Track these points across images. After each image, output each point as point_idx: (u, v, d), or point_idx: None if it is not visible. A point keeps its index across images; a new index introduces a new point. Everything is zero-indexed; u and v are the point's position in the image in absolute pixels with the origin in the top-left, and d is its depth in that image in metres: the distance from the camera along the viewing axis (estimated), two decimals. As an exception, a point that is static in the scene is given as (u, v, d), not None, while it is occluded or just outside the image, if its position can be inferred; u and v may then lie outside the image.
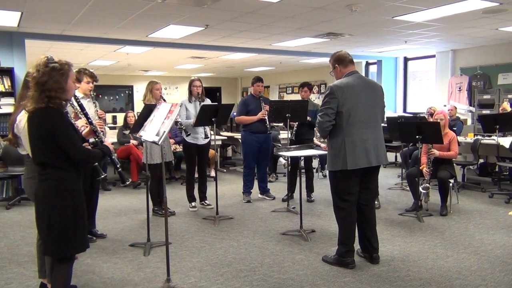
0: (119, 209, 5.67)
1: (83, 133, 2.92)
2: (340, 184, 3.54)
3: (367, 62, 12.04)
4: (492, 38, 8.20)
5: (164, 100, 4.79)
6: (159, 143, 3.00)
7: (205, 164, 5.70)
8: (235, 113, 6.13)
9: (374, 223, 3.66)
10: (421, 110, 9.57)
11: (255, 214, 5.29)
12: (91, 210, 4.25)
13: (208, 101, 5.45)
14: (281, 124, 7.32)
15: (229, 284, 3.26)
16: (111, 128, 10.57)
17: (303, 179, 5.41)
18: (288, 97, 14.44)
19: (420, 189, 5.10)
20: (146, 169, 4.50)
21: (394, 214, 5.20)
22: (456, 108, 8.27)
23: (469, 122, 9.30)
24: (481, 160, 7.38)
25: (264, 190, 6.16)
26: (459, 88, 9.61)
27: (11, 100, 6.58)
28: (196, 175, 5.62)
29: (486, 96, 8.86)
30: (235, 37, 7.82)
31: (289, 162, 5.86)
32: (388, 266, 3.57)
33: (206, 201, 5.64)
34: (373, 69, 11.93)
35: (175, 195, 6.39)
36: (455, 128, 7.01)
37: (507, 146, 6.16)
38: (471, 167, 7.49)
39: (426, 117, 7.15)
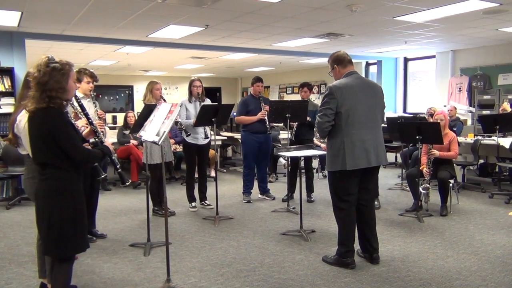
0: (119, 209, 5.67)
1: (83, 133, 2.92)
2: (339, 185, 3.53)
3: (367, 62, 12.04)
4: (492, 38, 8.20)
5: (164, 100, 4.79)
6: (159, 143, 3.00)
7: (205, 164, 5.70)
8: (235, 113, 6.13)
9: (373, 223, 3.66)
10: (421, 111, 9.57)
11: (255, 214, 5.29)
12: (91, 210, 4.25)
13: (208, 101, 5.45)
14: (281, 124, 7.33)
15: (229, 284, 3.26)
16: (111, 128, 10.56)
17: (303, 179, 5.41)
18: (288, 97, 14.44)
19: (420, 189, 5.10)
20: (146, 169, 4.50)
21: (394, 214, 5.20)
22: (455, 108, 8.27)
23: (469, 122, 9.30)
24: (481, 161, 7.38)
25: (264, 190, 6.16)
26: (459, 88, 9.61)
27: (11, 100, 6.58)
28: (196, 175, 5.62)
29: (486, 97, 8.86)
30: (235, 37, 7.82)
31: (289, 162, 5.86)
32: (388, 266, 3.57)
33: (206, 201, 5.64)
34: (373, 69, 11.94)
35: (175, 195, 6.39)
36: (455, 129, 7.01)
37: (507, 146, 6.16)
38: (471, 167, 7.49)
39: (426, 117, 7.15)
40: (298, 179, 4.61)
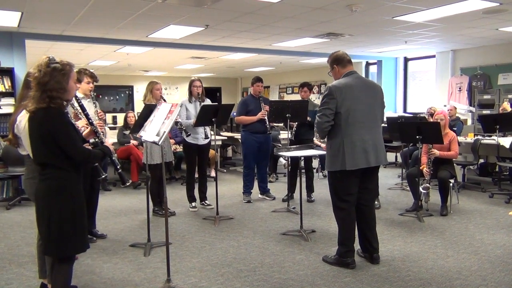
0: (119, 209, 5.67)
1: (83, 133, 2.92)
2: (339, 185, 3.53)
3: (367, 62, 12.04)
4: (492, 38, 8.20)
5: (164, 100, 4.79)
6: (159, 143, 3.00)
7: (205, 164, 5.70)
8: (235, 113, 6.13)
9: (374, 223, 3.66)
10: (421, 110, 9.57)
11: (255, 214, 5.29)
12: (91, 211, 4.25)
13: (208, 101, 5.45)
14: (281, 124, 7.33)
15: (230, 284, 3.26)
16: (111, 128, 10.57)
17: (303, 179, 5.41)
18: (288, 97, 14.44)
19: (420, 189, 5.10)
20: (146, 169, 4.50)
21: (394, 214, 5.20)
22: (455, 108, 8.27)
23: (469, 122, 9.30)
24: (481, 160, 7.38)
25: (264, 190, 6.16)
26: (459, 88, 9.61)
27: (11, 100, 6.58)
28: (196, 175, 5.62)
29: (486, 96, 8.86)
30: (235, 37, 7.82)
31: (289, 162, 5.86)
32: (388, 266, 3.57)
33: (206, 201, 5.64)
34: (373, 69, 11.93)
35: (175, 195, 6.39)
36: (455, 128, 7.00)
37: (507, 146, 6.16)
38: (471, 167, 7.49)
39: (426, 117, 7.15)
40: (298, 179, 4.61)
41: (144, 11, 5.69)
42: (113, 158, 3.05)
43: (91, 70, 4.16)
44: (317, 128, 3.54)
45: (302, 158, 5.73)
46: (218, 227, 4.76)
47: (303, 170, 5.99)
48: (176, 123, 4.84)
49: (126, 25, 6.59)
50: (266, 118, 5.64)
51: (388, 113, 9.86)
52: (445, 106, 9.05)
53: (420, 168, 5.20)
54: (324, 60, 3.79)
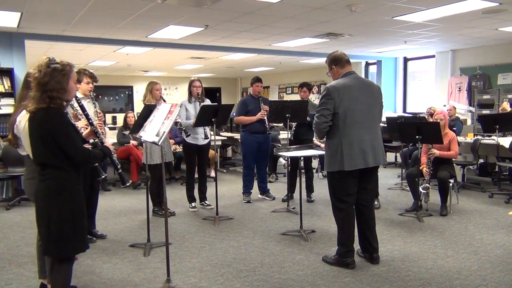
0: (119, 209, 5.67)
1: (83, 134, 2.93)
2: (338, 185, 3.53)
3: (366, 62, 12.04)
4: (491, 38, 8.20)
5: (164, 101, 4.79)
6: (159, 143, 3.00)
7: (205, 164, 5.70)
8: (234, 114, 6.13)
9: (373, 223, 3.66)
10: (421, 110, 9.58)
11: (255, 215, 5.29)
12: (91, 211, 4.25)
13: (208, 102, 5.45)
14: (281, 125, 7.33)
15: (229, 285, 3.26)
16: (111, 128, 10.56)
17: (303, 179, 5.41)
18: (288, 98, 14.44)
19: (420, 189, 5.10)
20: (146, 170, 4.50)
21: (394, 214, 5.20)
22: (455, 108, 8.27)
23: (469, 122, 9.30)
24: (481, 160, 7.38)
25: (264, 191, 6.16)
26: (459, 88, 9.61)
27: (11, 101, 6.58)
28: (196, 176, 5.62)
29: (485, 96, 8.86)
30: (234, 37, 7.82)
31: (289, 163, 5.86)
32: (388, 266, 3.57)
33: (206, 202, 5.64)
34: (372, 69, 11.94)
35: (175, 195, 6.39)
36: (454, 128, 7.01)
37: (507, 146, 6.16)
38: (471, 167, 7.49)
39: (426, 117, 7.15)
40: (298, 179, 4.61)
41: (143, 11, 5.69)
42: (113, 158, 3.05)
43: (91, 71, 4.16)
44: (315, 128, 3.55)
45: (302, 158, 5.72)
46: (218, 227, 4.76)
47: (303, 170, 5.99)
48: (175, 123, 4.84)
49: (126, 25, 6.59)
50: (265, 118, 5.65)
51: (388, 113, 9.85)
52: (444, 106, 9.06)
53: (420, 168, 5.21)
54: (324, 60, 3.79)
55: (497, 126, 6.19)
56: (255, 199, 6.03)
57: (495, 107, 8.46)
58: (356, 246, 3.67)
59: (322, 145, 6.17)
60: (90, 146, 3.03)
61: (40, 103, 2.40)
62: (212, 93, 16.71)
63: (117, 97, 15.82)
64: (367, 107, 3.51)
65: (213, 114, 4.82)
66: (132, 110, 14.17)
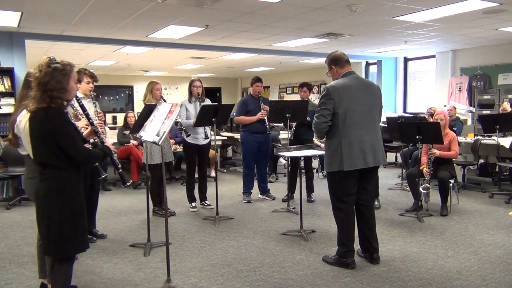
0: (119, 209, 5.67)
1: (84, 134, 2.93)
2: (337, 185, 3.53)
3: (367, 62, 12.04)
4: (492, 38, 8.20)
5: (164, 100, 4.79)
6: (159, 143, 3.00)
7: (205, 164, 5.70)
8: (234, 113, 6.13)
9: (373, 223, 3.65)
10: (421, 110, 9.57)
11: (255, 215, 5.29)
12: (91, 210, 4.25)
13: (208, 102, 5.45)
14: (281, 125, 7.32)
15: (230, 285, 3.26)
16: (111, 128, 10.57)
17: (303, 179, 5.41)
18: (288, 97, 14.44)
19: (420, 189, 5.10)
20: (146, 169, 4.50)
21: (394, 214, 5.20)
22: (455, 108, 8.27)
23: (469, 122, 9.30)
24: (481, 160, 7.38)
25: (264, 191, 6.16)
26: (459, 88, 9.61)
27: (11, 100, 6.58)
28: (196, 176, 5.62)
29: (486, 96, 8.86)
30: (235, 37, 7.82)
31: (289, 163, 5.86)
32: (388, 266, 3.57)
33: (206, 202, 5.64)
34: (373, 69, 11.93)
35: (175, 195, 6.39)
36: (455, 129, 7.01)
37: (507, 146, 6.16)
38: (471, 167, 7.49)
39: (426, 117, 7.15)
40: (298, 179, 4.61)
41: (144, 11, 5.68)
42: (114, 158, 3.05)
43: (91, 70, 4.16)
44: (315, 128, 3.54)
45: (302, 158, 5.73)
46: (218, 227, 4.76)
47: (303, 170, 5.99)
48: (176, 123, 4.84)
49: (126, 25, 6.59)
50: (265, 118, 5.65)
51: (388, 113, 9.86)
52: (445, 106, 9.05)
53: (420, 168, 5.20)
54: (324, 60, 3.78)
55: (498, 126, 6.19)
56: (255, 199, 6.03)
57: (496, 107, 8.45)
58: (356, 246, 3.67)
59: (322, 145, 6.18)
60: (90, 145, 3.03)
61: (41, 102, 2.40)
62: (212, 93, 16.71)
63: (117, 97, 15.82)
64: (367, 107, 3.51)
65: (213, 114, 4.82)
66: (133, 110, 14.18)
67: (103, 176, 3.43)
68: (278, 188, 6.76)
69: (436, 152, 5.11)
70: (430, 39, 8.30)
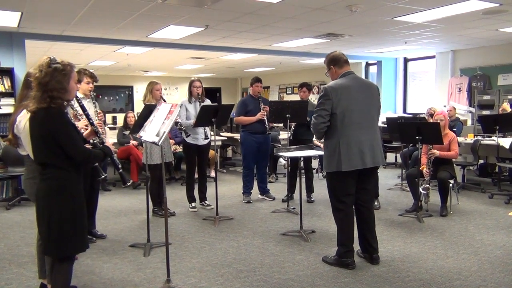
0: (119, 209, 5.67)
1: (84, 134, 2.93)
2: (336, 186, 3.53)
3: (367, 62, 12.04)
4: (492, 39, 8.21)
5: (164, 101, 4.79)
6: (159, 143, 3.00)
7: (205, 164, 5.70)
8: (234, 114, 6.13)
9: (373, 223, 3.65)
10: (421, 111, 9.58)
11: (255, 215, 5.29)
12: (91, 211, 4.25)
13: (208, 102, 5.45)
14: (281, 125, 7.32)
15: (229, 285, 3.26)
16: (111, 128, 10.56)
17: (303, 179, 5.41)
18: (288, 98, 14.45)
19: (420, 189, 5.10)
20: (146, 170, 4.50)
21: (394, 214, 5.20)
22: (455, 108, 8.27)
23: (469, 122, 9.31)
24: (481, 161, 7.38)
25: (264, 191, 6.16)
26: (459, 88, 9.62)
27: (11, 101, 6.58)
28: (196, 176, 5.62)
29: (486, 97, 8.86)
30: (235, 37, 7.82)
31: (289, 163, 5.86)
32: (388, 266, 3.57)
33: (206, 202, 5.64)
34: (373, 69, 11.94)
35: (175, 195, 6.39)
36: (455, 129, 7.00)
37: (507, 146, 6.16)
38: (471, 167, 7.49)
39: (426, 117, 7.15)
40: (298, 179, 4.61)
41: (144, 11, 5.69)
42: (114, 158, 3.05)
43: (91, 70, 4.16)
44: (313, 129, 3.54)
45: (302, 158, 5.73)
46: (218, 227, 4.76)
47: (303, 171, 5.99)
48: (176, 123, 4.84)
49: (126, 25, 6.59)
50: (265, 118, 5.65)
51: (388, 113, 9.86)
52: (444, 106, 9.05)
53: (420, 168, 5.20)
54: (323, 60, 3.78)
55: (497, 127, 6.19)
56: (255, 200, 6.03)
57: (495, 108, 8.46)
58: (356, 246, 3.67)
59: (322, 146, 6.17)
60: (90, 146, 3.03)
61: (41, 103, 2.40)
62: (212, 93, 16.71)
63: (117, 97, 15.83)
64: (366, 108, 3.50)
65: (213, 114, 4.82)
66: (132, 110, 14.18)
67: (103, 176, 3.44)
68: (278, 188, 6.76)
69: (436, 152, 5.11)
70: (430, 40, 8.31)
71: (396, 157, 9.14)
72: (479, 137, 6.85)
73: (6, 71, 6.70)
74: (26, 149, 3.01)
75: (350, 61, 3.68)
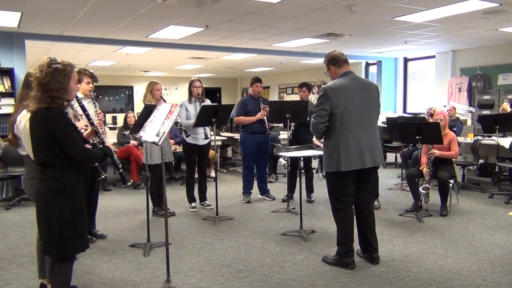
0: (119, 209, 5.67)
1: (84, 134, 2.93)
2: (336, 186, 3.54)
3: (367, 62, 12.04)
4: (492, 38, 8.21)
5: (164, 101, 4.79)
6: (159, 143, 3.00)
7: (205, 164, 5.70)
8: (234, 114, 6.13)
9: (372, 223, 3.65)
10: (421, 111, 9.58)
11: (255, 215, 5.29)
12: (91, 211, 4.25)
13: (208, 102, 5.45)
14: (281, 125, 7.32)
15: (229, 285, 3.26)
16: (111, 128, 10.57)
17: (303, 179, 5.41)
18: (288, 98, 14.45)
19: (420, 189, 5.10)
20: (146, 170, 4.50)
21: (394, 214, 5.20)
22: (455, 108, 8.27)
23: (469, 122, 9.31)
24: (481, 161, 7.38)
25: (264, 191, 6.16)
26: (459, 88, 9.62)
27: (11, 101, 6.58)
28: (196, 176, 5.62)
29: (486, 97, 8.86)
30: (235, 37, 7.82)
31: (289, 163, 5.86)
32: (388, 266, 3.57)
33: (206, 202, 5.64)
34: (373, 69, 11.94)
35: (175, 195, 6.39)
36: (454, 129, 7.00)
37: (507, 146, 6.16)
38: (471, 167, 7.49)
39: (426, 117, 7.15)
40: (298, 179, 4.61)
41: (144, 11, 5.69)
42: (114, 158, 3.05)
43: (91, 70, 4.17)
44: (312, 129, 3.54)
45: (302, 158, 5.73)
46: (218, 227, 4.76)
47: (303, 171, 5.99)
48: (176, 123, 4.85)
49: (126, 25, 6.59)
50: (265, 118, 5.65)
51: (388, 113, 9.87)
52: (444, 106, 9.05)
53: (420, 168, 5.21)
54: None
55: (497, 127, 6.19)
56: (255, 199, 6.03)
57: (495, 108, 8.46)
58: (356, 246, 3.67)
59: (322, 145, 6.17)
60: (90, 146, 3.04)
61: (41, 103, 2.40)
62: (212, 93, 16.71)
63: (117, 97, 15.83)
64: (365, 107, 3.50)
65: (213, 114, 4.82)
66: (132, 110, 14.18)
67: (103, 177, 3.44)
68: (278, 188, 6.77)
69: (436, 152, 5.11)
70: (430, 40, 8.31)
71: (396, 157, 9.14)
72: (479, 137, 6.85)
73: (6, 71, 6.70)
74: (26, 149, 3.01)
75: (350, 61, 3.67)
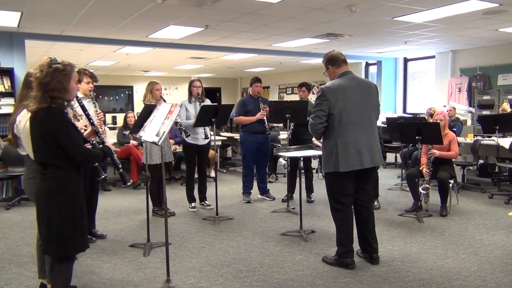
0: (119, 209, 5.67)
1: (84, 134, 2.93)
2: (335, 186, 3.53)
3: (367, 62, 12.04)
4: (492, 39, 8.21)
5: (164, 101, 4.79)
6: (159, 143, 3.00)
7: (205, 164, 5.70)
8: (234, 114, 6.13)
9: (372, 223, 3.65)
10: (421, 111, 9.59)
11: (255, 215, 5.29)
12: (91, 210, 4.25)
13: (208, 102, 5.45)
14: (281, 125, 7.32)
15: (229, 285, 3.26)
16: (111, 128, 10.57)
17: (303, 179, 5.41)
18: (288, 98, 14.45)
19: (420, 189, 5.10)
20: (146, 170, 4.50)
21: (394, 214, 5.20)
22: (455, 108, 8.27)
23: (469, 122, 9.31)
24: (481, 161, 7.39)
25: (263, 191, 6.16)
26: (459, 88, 9.62)
27: (11, 101, 6.58)
28: (196, 176, 5.62)
29: (486, 97, 8.87)
30: (235, 37, 7.82)
31: (289, 163, 5.86)
32: (388, 266, 3.57)
33: (206, 202, 5.64)
34: (373, 69, 11.94)
35: (175, 195, 6.39)
36: (454, 129, 7.00)
37: (507, 146, 6.16)
38: (471, 167, 7.49)
39: (426, 117, 7.16)
40: (297, 179, 4.61)
41: (144, 11, 5.69)
42: (114, 158, 3.05)
43: (91, 70, 4.16)
44: (311, 129, 3.54)
45: (302, 158, 5.72)
46: (218, 227, 4.76)
47: (303, 171, 5.98)
48: (175, 123, 4.84)
49: (126, 25, 6.59)
50: (265, 118, 5.65)
51: (388, 113, 9.87)
52: (444, 106, 9.05)
53: (420, 168, 5.21)
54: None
55: (497, 127, 6.20)
56: (255, 200, 6.03)
57: (495, 108, 8.46)
58: (356, 246, 3.67)
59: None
60: (90, 146, 3.04)
61: (41, 103, 2.41)
62: (212, 93, 16.71)
63: (117, 97, 15.83)
64: (364, 108, 3.49)
65: (213, 114, 4.82)
66: (132, 110, 14.19)
67: (103, 176, 3.44)
68: (278, 188, 6.77)
69: (436, 152, 5.11)
70: (430, 40, 8.31)
71: (396, 157, 9.14)
72: (479, 137, 6.85)
73: (6, 71, 6.70)
74: (26, 149, 3.01)
75: (350, 61, 3.68)
